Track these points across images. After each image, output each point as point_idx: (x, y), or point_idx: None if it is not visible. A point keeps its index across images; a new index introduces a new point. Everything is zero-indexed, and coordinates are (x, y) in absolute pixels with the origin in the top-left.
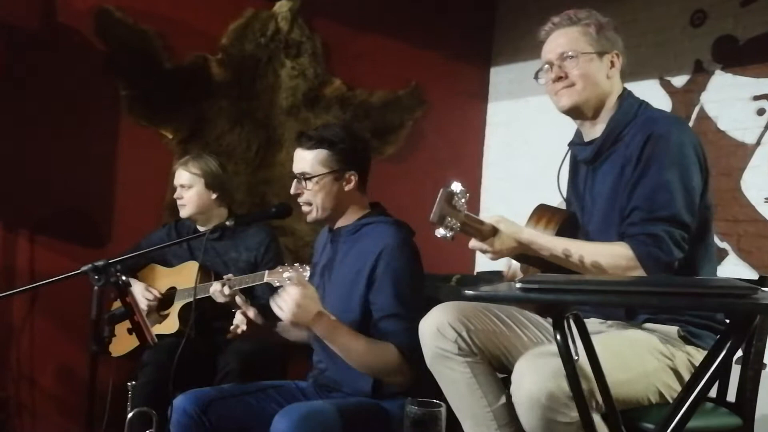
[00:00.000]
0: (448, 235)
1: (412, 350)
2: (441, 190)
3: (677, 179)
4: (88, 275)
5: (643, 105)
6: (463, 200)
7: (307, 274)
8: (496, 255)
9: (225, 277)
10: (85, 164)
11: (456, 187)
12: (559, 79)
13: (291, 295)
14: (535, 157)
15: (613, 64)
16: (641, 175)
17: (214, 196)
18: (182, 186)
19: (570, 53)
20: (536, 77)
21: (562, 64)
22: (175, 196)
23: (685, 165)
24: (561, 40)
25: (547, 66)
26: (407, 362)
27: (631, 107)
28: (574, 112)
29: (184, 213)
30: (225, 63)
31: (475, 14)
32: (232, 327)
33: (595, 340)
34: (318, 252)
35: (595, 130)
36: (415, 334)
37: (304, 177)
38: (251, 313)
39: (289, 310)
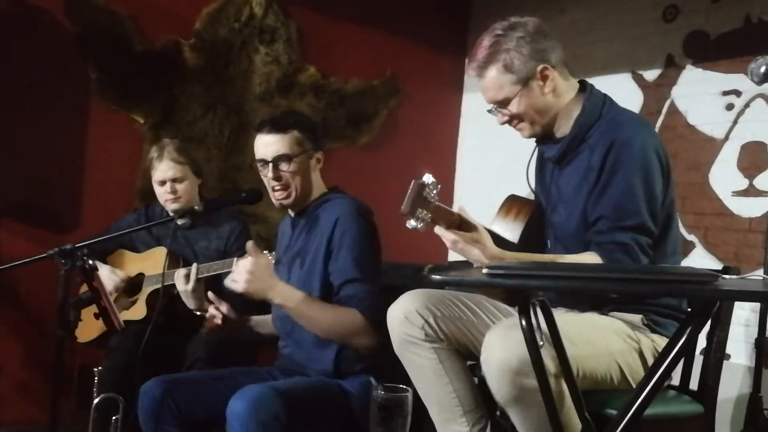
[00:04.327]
0: (418, 227)
1: (375, 313)
2: (413, 182)
3: (642, 186)
4: (54, 259)
5: (606, 102)
6: (434, 192)
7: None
8: (457, 247)
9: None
10: (53, 148)
11: (428, 178)
12: (510, 121)
13: (243, 265)
14: (509, 148)
15: (545, 78)
16: (607, 183)
17: (199, 182)
18: (174, 180)
19: (500, 99)
20: (490, 111)
21: (502, 111)
22: (164, 191)
23: (648, 171)
24: (486, 87)
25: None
26: (372, 325)
27: (595, 107)
28: (537, 136)
29: (177, 206)
30: (198, 48)
31: (450, 4)
32: (207, 316)
33: (562, 319)
34: (281, 241)
35: (559, 130)
36: (377, 296)
37: (285, 159)
38: (224, 308)
39: (243, 280)
